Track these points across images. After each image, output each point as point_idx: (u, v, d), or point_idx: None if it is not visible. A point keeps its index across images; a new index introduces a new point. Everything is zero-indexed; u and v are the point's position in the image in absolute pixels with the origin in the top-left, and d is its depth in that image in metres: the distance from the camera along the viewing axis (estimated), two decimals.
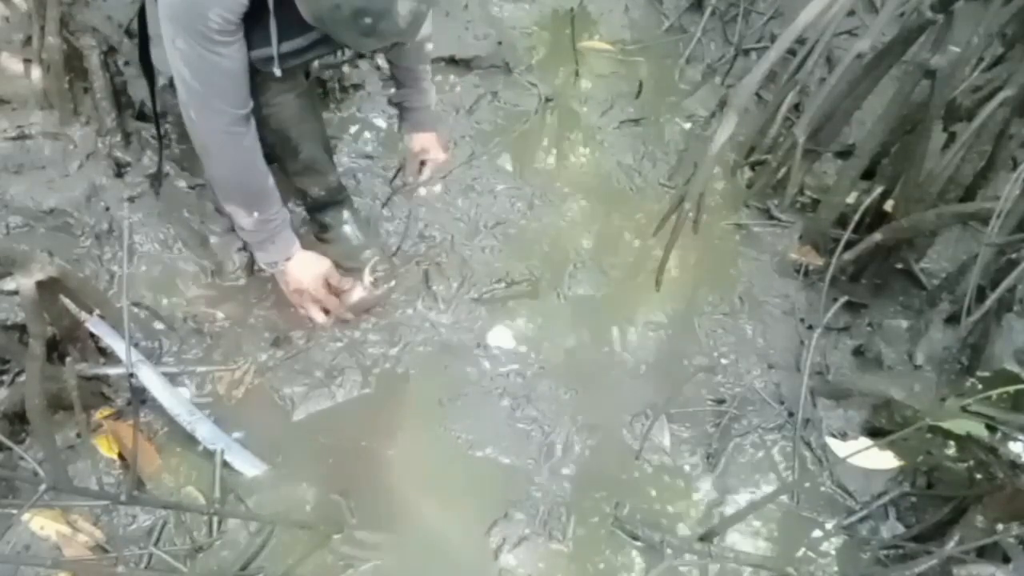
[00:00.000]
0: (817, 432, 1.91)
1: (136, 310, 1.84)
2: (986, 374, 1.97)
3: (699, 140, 2.50)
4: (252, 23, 1.43)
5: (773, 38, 2.55)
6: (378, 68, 2.50)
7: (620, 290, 2.13)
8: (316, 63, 2.01)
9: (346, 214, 2.01)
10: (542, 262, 2.14)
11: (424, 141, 2.02)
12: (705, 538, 1.70)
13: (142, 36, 1.77)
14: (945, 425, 1.53)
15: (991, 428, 1.54)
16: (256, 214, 1.67)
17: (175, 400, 1.67)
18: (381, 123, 2.40)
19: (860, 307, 2.14)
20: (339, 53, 2.31)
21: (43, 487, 1.17)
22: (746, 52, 2.75)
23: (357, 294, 1.90)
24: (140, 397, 1.66)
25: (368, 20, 1.26)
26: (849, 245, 2.06)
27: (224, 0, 1.35)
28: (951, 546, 1.53)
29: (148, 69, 1.84)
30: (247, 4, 1.38)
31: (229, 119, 1.52)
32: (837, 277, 2.08)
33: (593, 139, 2.48)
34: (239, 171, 1.62)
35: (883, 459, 1.83)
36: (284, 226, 1.74)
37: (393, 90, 1.98)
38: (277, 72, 1.50)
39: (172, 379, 1.74)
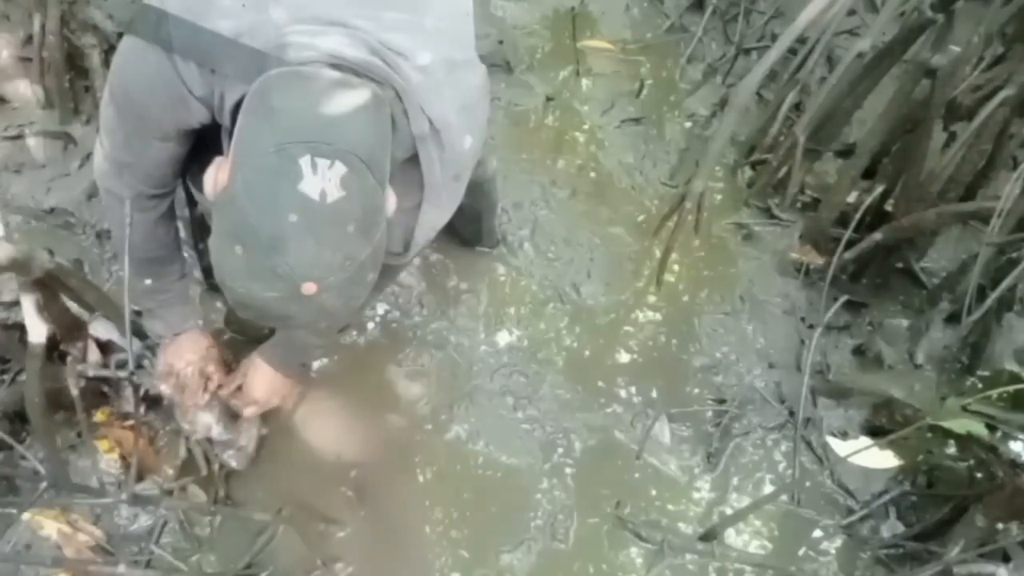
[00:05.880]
0: (817, 431, 1.91)
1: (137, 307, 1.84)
2: (986, 373, 1.97)
3: (700, 139, 2.50)
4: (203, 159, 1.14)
5: (774, 37, 2.54)
6: None
7: (621, 290, 2.13)
8: None
9: None
10: (543, 262, 2.14)
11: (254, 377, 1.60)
12: (706, 537, 1.70)
13: None
14: (945, 424, 1.53)
15: (991, 427, 1.55)
16: (148, 281, 1.48)
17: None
18: None
19: (861, 306, 2.14)
20: None
21: (43, 485, 1.17)
22: (747, 51, 2.74)
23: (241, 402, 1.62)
24: (140, 396, 1.66)
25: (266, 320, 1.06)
26: (850, 244, 2.05)
27: (179, 115, 1.13)
28: (956, 552, 1.53)
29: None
30: (198, 126, 1.16)
31: (133, 193, 1.29)
32: (838, 276, 2.08)
33: (594, 138, 2.48)
34: (135, 236, 1.34)
35: (883, 458, 1.83)
36: (176, 302, 1.54)
37: None
38: None
39: None
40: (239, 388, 1.59)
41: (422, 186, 1.16)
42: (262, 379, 1.58)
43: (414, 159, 1.14)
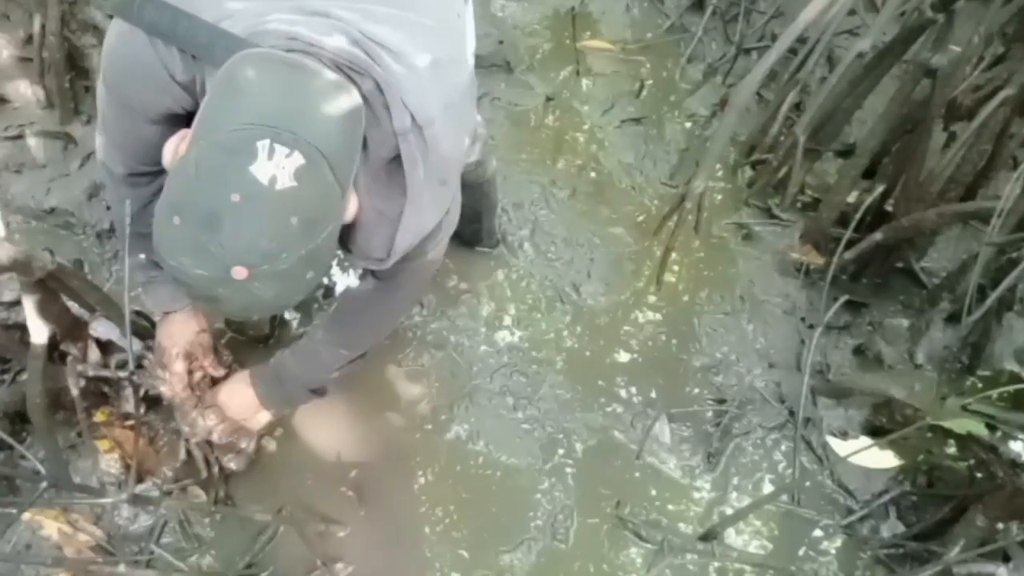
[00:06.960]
0: (818, 431, 1.91)
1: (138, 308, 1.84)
2: (987, 373, 1.97)
3: (700, 139, 2.50)
4: None
5: (774, 37, 2.54)
6: None
7: (621, 290, 2.13)
8: None
9: None
10: (543, 262, 2.14)
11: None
12: (706, 537, 1.70)
13: None
14: (946, 424, 1.53)
15: (991, 427, 1.55)
16: (141, 256, 1.46)
17: None
18: None
19: (861, 306, 2.14)
20: None
21: (43, 485, 1.17)
22: (747, 51, 2.74)
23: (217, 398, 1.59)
24: (140, 396, 1.66)
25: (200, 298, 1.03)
26: (850, 244, 2.05)
27: (162, 100, 1.13)
28: (956, 552, 1.53)
29: None
30: (182, 111, 1.15)
31: (127, 170, 1.30)
32: (838, 276, 2.08)
33: (594, 138, 2.48)
34: (133, 210, 1.30)
35: (883, 458, 1.83)
36: (167, 280, 1.48)
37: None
38: None
39: None
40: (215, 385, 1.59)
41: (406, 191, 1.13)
42: (238, 393, 1.56)
43: (398, 161, 1.10)
